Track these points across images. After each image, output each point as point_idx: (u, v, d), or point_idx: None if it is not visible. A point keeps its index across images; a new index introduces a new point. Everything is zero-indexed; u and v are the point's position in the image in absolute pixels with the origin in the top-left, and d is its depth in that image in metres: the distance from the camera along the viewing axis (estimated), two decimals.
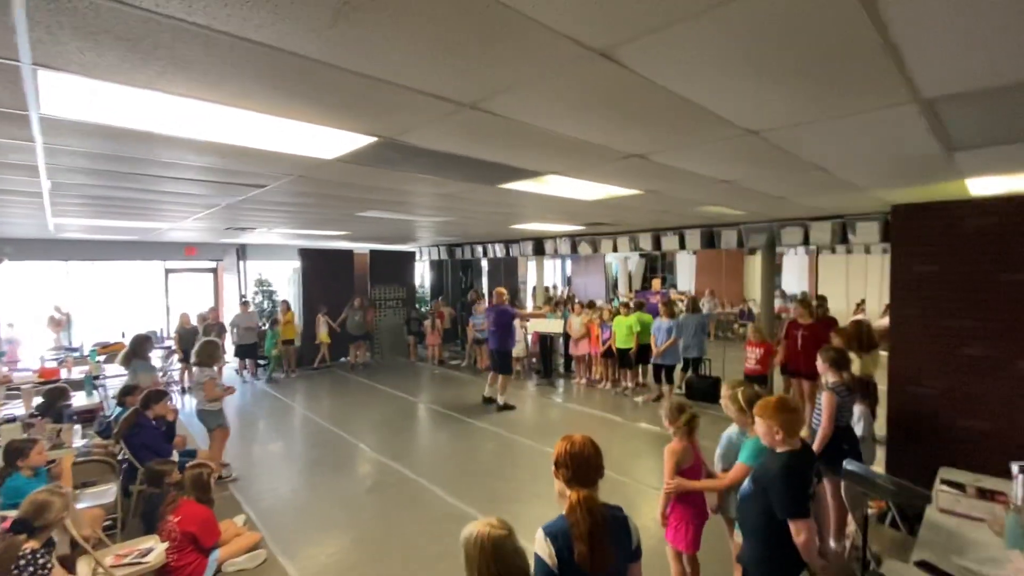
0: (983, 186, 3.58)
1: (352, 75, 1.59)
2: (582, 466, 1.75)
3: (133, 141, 2.43)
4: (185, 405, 7.98)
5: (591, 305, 9.74)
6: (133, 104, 1.87)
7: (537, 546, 1.67)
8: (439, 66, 1.53)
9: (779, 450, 2.27)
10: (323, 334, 10.50)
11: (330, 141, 2.42)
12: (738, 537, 2.77)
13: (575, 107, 1.94)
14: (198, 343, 5.29)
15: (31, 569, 2.27)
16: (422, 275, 14.51)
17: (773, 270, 7.28)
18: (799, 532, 2.10)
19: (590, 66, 1.54)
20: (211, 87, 1.69)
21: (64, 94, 1.79)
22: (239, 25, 1.26)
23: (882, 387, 4.51)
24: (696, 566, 2.98)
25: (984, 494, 2.84)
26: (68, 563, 2.97)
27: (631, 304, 8.40)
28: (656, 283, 15.79)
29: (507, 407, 7.45)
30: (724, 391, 2.99)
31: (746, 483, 2.37)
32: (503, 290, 7.89)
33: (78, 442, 4.50)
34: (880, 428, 4.64)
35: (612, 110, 1.98)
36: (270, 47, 1.39)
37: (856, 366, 4.40)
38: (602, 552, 1.62)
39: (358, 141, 2.41)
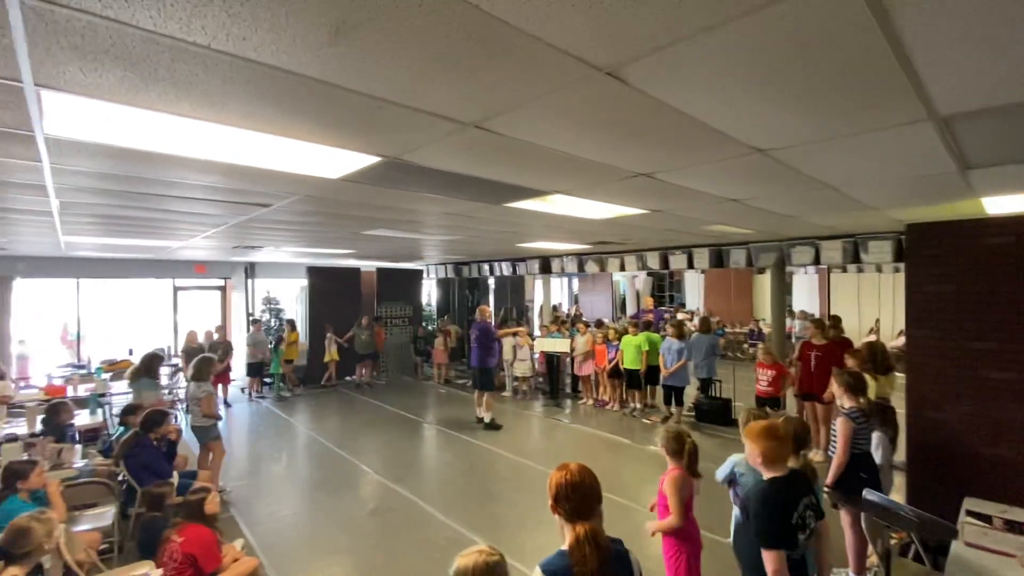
0: (1000, 205, 3.50)
1: (354, 95, 1.57)
2: (584, 497, 1.65)
3: (139, 161, 2.43)
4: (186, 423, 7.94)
5: (599, 324, 9.65)
6: (137, 125, 1.87)
7: None
8: (440, 85, 1.51)
9: (764, 476, 2.21)
10: (333, 352, 10.47)
11: (335, 161, 2.41)
12: None
13: (580, 127, 1.91)
14: (195, 359, 5.33)
15: None
16: (429, 293, 14.50)
17: (784, 289, 7.18)
18: (768, 562, 2.00)
19: (595, 85, 1.51)
20: (214, 108, 1.68)
21: (68, 115, 1.78)
22: (238, 45, 1.25)
23: (899, 411, 4.37)
24: None
25: (1012, 527, 2.71)
26: None
27: (638, 324, 8.29)
28: (649, 301, 15.53)
29: (493, 426, 7.30)
30: (743, 417, 2.87)
31: (737, 512, 2.29)
32: (486, 308, 7.83)
33: (79, 462, 4.46)
34: (899, 455, 4.49)
35: (618, 129, 1.95)
36: (270, 67, 1.37)
37: (871, 389, 4.27)
38: None
39: (363, 161, 2.40)
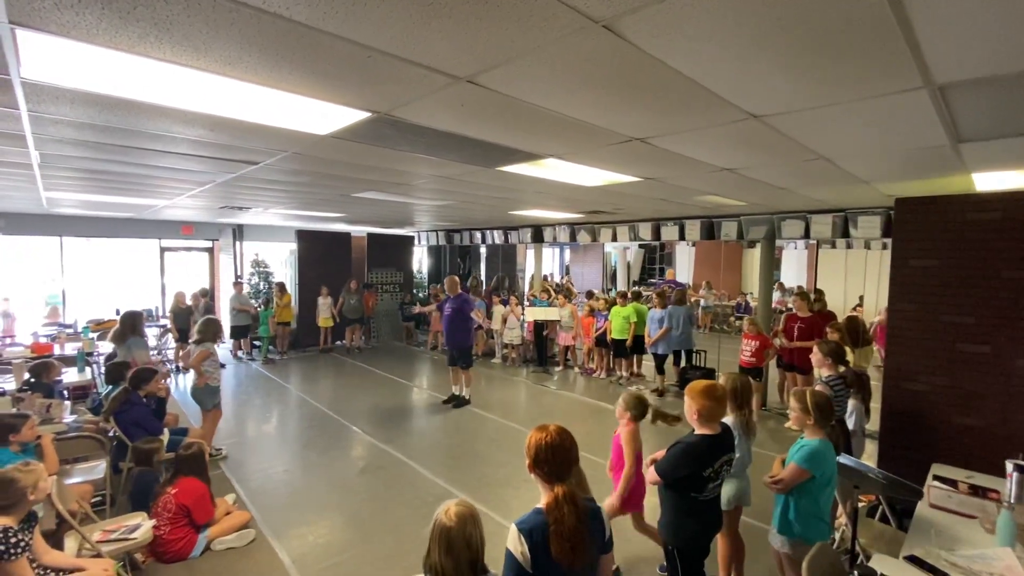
0: (990, 181, 3.53)
1: (343, 43, 1.53)
2: (563, 459, 1.68)
3: (121, 111, 2.36)
4: (179, 384, 7.97)
5: (589, 295, 9.71)
6: (118, 70, 1.81)
7: (510, 543, 1.60)
8: (433, 35, 1.47)
9: (696, 431, 2.40)
10: (324, 317, 10.41)
11: (324, 115, 2.36)
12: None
13: (575, 84, 1.88)
14: (199, 321, 5.23)
15: (0, 548, 2.25)
16: (420, 260, 14.44)
17: (772, 263, 7.24)
18: (649, 478, 2.42)
19: (591, 39, 1.48)
20: (196, 52, 1.62)
21: (46, 57, 1.72)
22: None
23: (873, 382, 4.50)
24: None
25: (976, 491, 2.83)
26: (55, 538, 2.96)
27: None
28: (671, 273, 15.71)
29: (463, 401, 7.03)
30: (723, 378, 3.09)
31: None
32: (456, 278, 7.26)
33: (68, 418, 4.48)
34: (872, 423, 4.64)
35: (613, 88, 1.92)
36: (255, 8, 1.32)
37: (849, 360, 4.38)
38: (582, 549, 1.58)
39: (352, 116, 2.35)
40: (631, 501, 3.22)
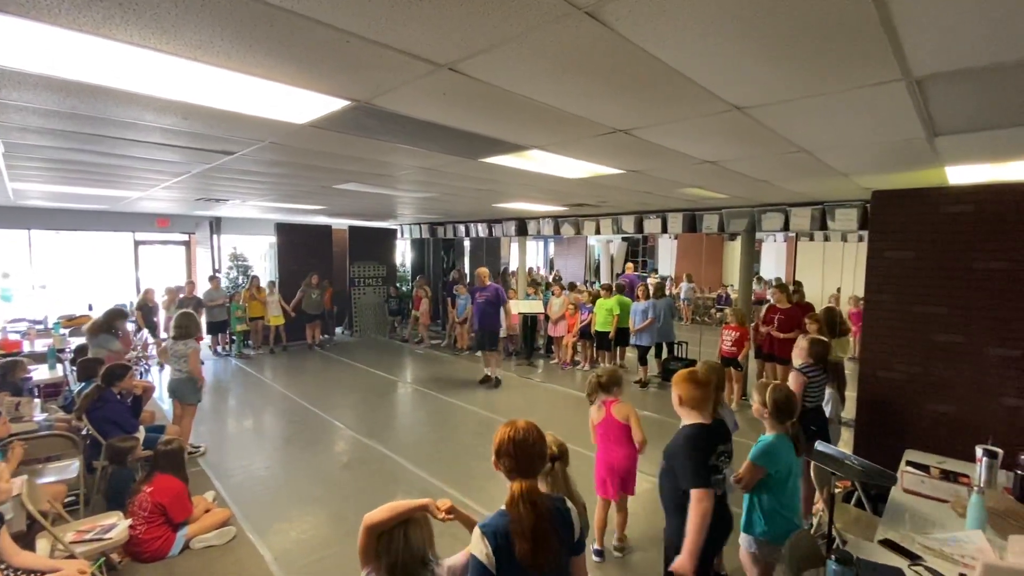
0: (962, 174, 3.61)
1: (319, 26, 1.48)
2: (527, 455, 1.61)
3: (88, 97, 2.27)
4: (154, 379, 7.79)
5: (572, 287, 9.75)
6: (83, 54, 1.73)
7: (473, 545, 1.54)
8: (412, 19, 1.43)
9: (684, 422, 2.32)
10: (274, 315, 9.96)
11: (301, 104, 2.30)
12: None
13: (558, 72, 1.85)
14: (175, 315, 5.05)
15: None
16: (403, 253, 14.31)
17: (752, 255, 7.35)
18: (699, 500, 2.12)
19: (575, 26, 1.46)
20: (165, 35, 1.56)
21: (6, 39, 1.64)
22: None
23: (848, 371, 4.60)
24: (624, 514, 3.47)
25: (948, 476, 2.92)
26: (26, 540, 2.87)
27: (612, 287, 8.41)
28: (630, 267, 15.71)
29: (498, 382, 7.71)
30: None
31: (662, 460, 2.39)
32: (486, 270, 7.85)
33: (38, 416, 4.35)
34: (848, 411, 4.75)
35: (596, 77, 1.90)
36: None
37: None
38: (546, 548, 1.52)
39: (330, 104, 2.30)
40: (609, 484, 3.27)
